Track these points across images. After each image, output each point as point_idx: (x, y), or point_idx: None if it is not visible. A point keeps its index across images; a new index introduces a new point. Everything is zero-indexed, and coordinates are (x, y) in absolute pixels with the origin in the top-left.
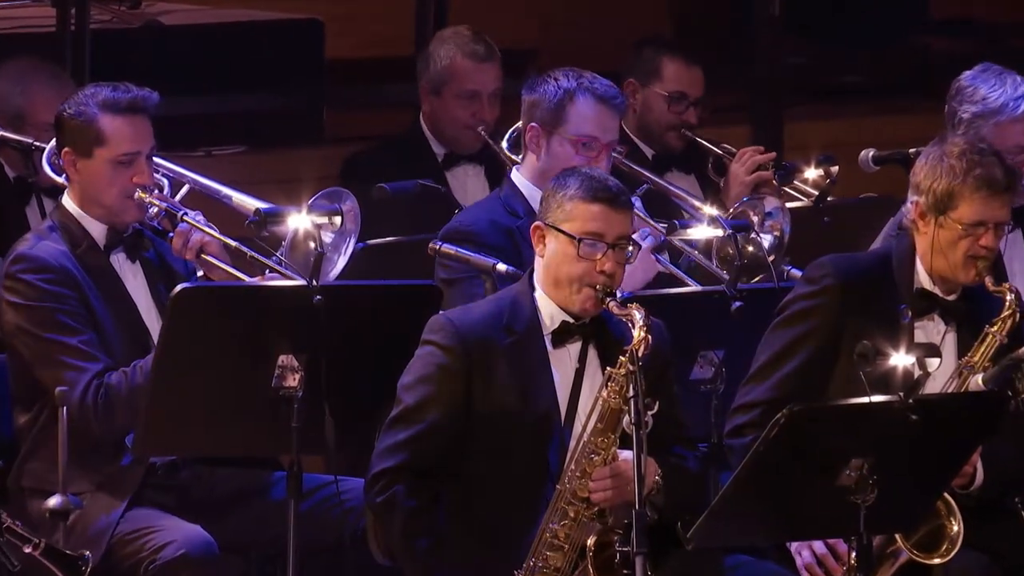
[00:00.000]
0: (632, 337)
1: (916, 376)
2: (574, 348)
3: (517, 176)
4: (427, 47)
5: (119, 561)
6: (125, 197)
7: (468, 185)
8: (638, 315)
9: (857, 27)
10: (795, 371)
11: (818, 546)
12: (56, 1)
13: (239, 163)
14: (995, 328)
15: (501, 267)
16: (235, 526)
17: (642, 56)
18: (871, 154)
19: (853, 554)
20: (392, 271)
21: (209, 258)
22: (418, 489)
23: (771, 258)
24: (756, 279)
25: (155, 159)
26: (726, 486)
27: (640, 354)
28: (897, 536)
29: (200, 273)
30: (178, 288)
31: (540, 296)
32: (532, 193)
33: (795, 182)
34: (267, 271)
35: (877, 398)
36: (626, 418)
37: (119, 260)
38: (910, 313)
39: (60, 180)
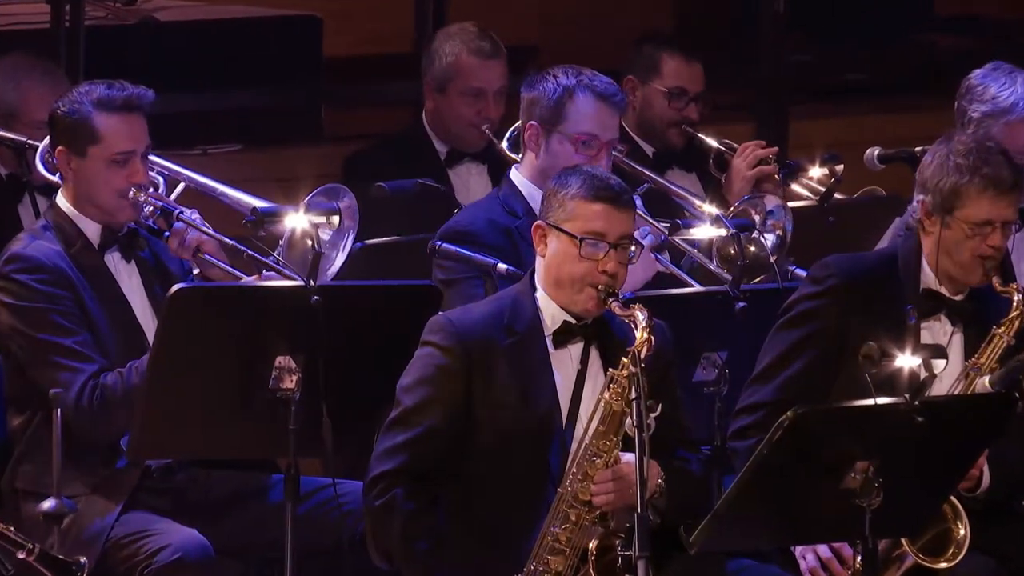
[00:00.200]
0: (634, 338)
1: (922, 378)
2: (576, 349)
3: (516, 175)
4: (431, 43)
5: (114, 565)
6: (120, 196)
7: (471, 184)
8: (641, 316)
9: (862, 24)
10: (799, 373)
11: (823, 550)
12: None
13: (236, 161)
14: (1003, 329)
15: (501, 267)
16: (232, 529)
17: (642, 52)
18: (876, 153)
19: (858, 558)
20: (391, 271)
21: (205, 257)
22: (417, 492)
23: (773, 258)
24: (759, 279)
25: (150, 157)
26: (729, 489)
27: (643, 355)
28: (903, 540)
29: (196, 272)
30: (174, 288)
31: (541, 296)
32: (531, 192)
33: (800, 181)
34: (264, 271)
35: (883, 400)
36: (628, 420)
37: (114, 260)
38: (916, 314)
39: (54, 179)
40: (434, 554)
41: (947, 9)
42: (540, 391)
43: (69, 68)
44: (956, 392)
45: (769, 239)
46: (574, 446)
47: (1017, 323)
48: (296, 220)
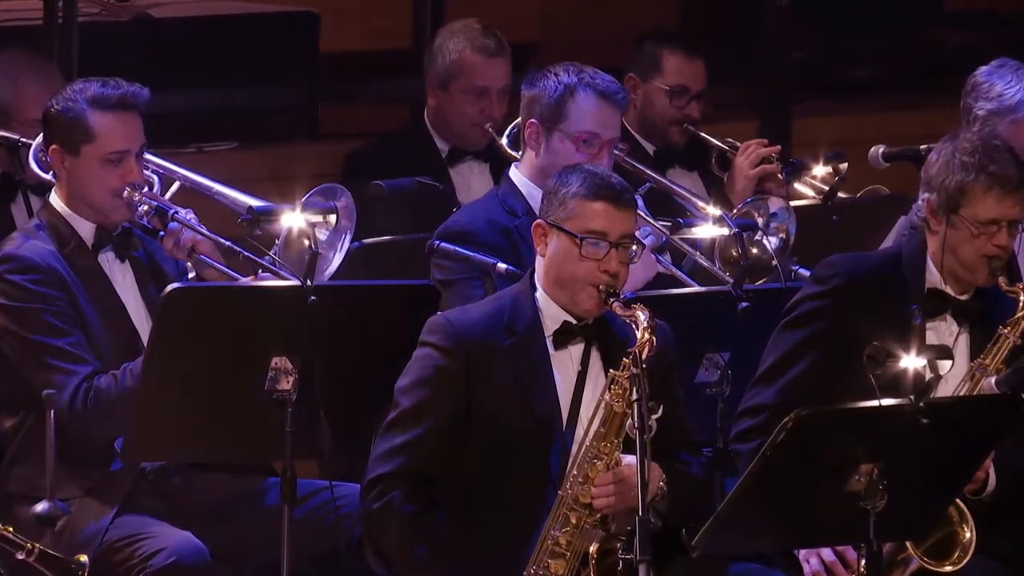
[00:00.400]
0: (636, 339)
1: (927, 378)
2: (576, 350)
3: (515, 174)
4: (435, 40)
5: (108, 569)
6: (114, 196)
7: (472, 182)
8: (642, 316)
9: (866, 20)
10: (803, 374)
11: (827, 553)
12: None
13: (231, 160)
14: (1009, 329)
15: (501, 266)
16: (227, 533)
17: (642, 50)
18: (881, 151)
19: (862, 561)
20: (389, 271)
21: (201, 258)
22: (416, 495)
23: (775, 262)
24: (762, 280)
25: (145, 156)
26: (732, 492)
27: (644, 356)
28: (908, 543)
29: (192, 273)
30: (169, 288)
31: (541, 296)
32: (531, 191)
33: (803, 179)
34: (260, 271)
35: (887, 401)
36: (629, 422)
37: (108, 260)
38: (921, 314)
39: (47, 177)
40: (433, 558)
41: (954, 4)
42: (540, 392)
43: (62, 65)
44: (962, 393)
45: (772, 241)
46: (574, 448)
47: (1023, 323)
48: (293, 219)
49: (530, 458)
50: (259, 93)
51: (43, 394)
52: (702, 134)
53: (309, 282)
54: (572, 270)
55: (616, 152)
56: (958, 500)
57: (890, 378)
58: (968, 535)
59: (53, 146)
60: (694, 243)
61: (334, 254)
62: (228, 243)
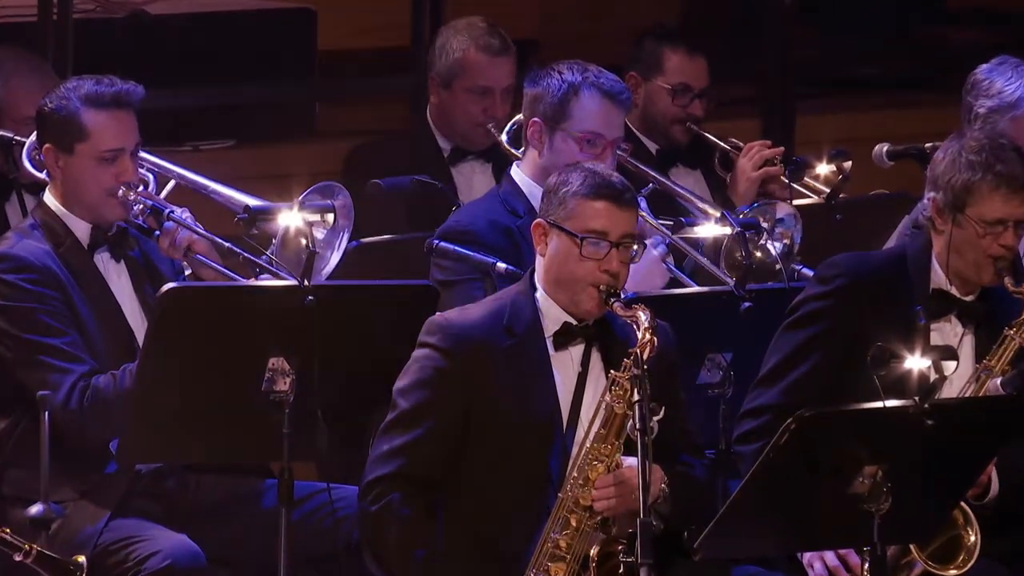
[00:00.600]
0: (637, 339)
1: (932, 380)
2: (576, 351)
3: (517, 173)
4: (438, 37)
5: (103, 572)
6: (109, 195)
7: (474, 182)
8: (643, 316)
9: (870, 17)
10: (806, 375)
11: (830, 557)
12: None
13: (228, 158)
14: (1015, 330)
15: (500, 266)
16: (223, 536)
17: (643, 48)
18: (885, 149)
19: (866, 565)
20: (387, 270)
21: (197, 257)
22: (415, 497)
23: (778, 266)
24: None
25: (140, 154)
26: (734, 494)
27: (645, 357)
28: (912, 546)
29: (188, 272)
30: (165, 288)
31: (541, 297)
32: (533, 191)
33: (806, 178)
34: (257, 271)
35: (891, 403)
36: (630, 424)
37: (103, 260)
38: (926, 314)
39: (41, 176)
40: (432, 562)
41: (958, 2)
42: (540, 394)
43: (57, 62)
44: (967, 395)
45: (776, 246)
46: (575, 450)
47: None
48: (290, 218)
49: (530, 460)
50: (255, 91)
51: (37, 395)
52: (706, 135)
53: (306, 282)
54: (572, 270)
55: (619, 152)
56: (962, 503)
57: (894, 379)
58: (973, 538)
59: (47, 145)
60: (696, 243)
61: (331, 253)
62: (226, 243)
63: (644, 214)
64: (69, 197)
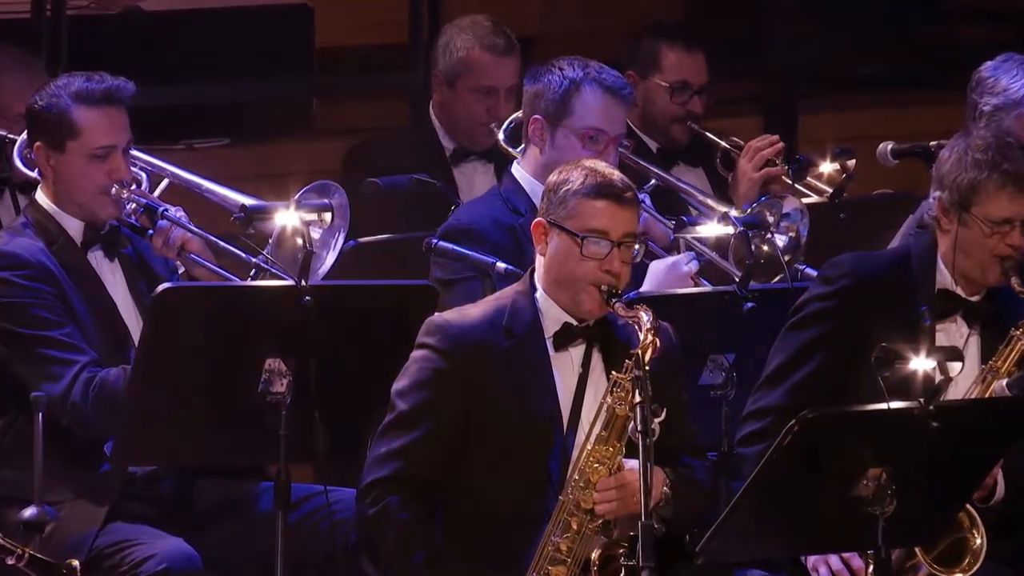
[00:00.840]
0: (638, 340)
1: (937, 381)
2: (577, 352)
3: (518, 170)
4: (442, 35)
5: None
6: (101, 193)
7: (476, 182)
8: (645, 317)
9: (875, 14)
10: (810, 376)
11: (834, 561)
12: None
13: (223, 156)
14: (1021, 331)
15: (500, 266)
16: (219, 539)
17: (641, 46)
18: (890, 147)
19: (870, 568)
20: (385, 270)
21: (191, 256)
22: (413, 500)
23: (786, 258)
24: (777, 278)
25: (133, 152)
26: (737, 497)
27: (647, 358)
28: (917, 550)
29: (181, 271)
30: (160, 288)
31: (541, 297)
32: (534, 188)
33: (809, 177)
34: (253, 270)
35: (896, 404)
36: (632, 425)
37: (97, 258)
38: (931, 315)
39: (33, 175)
40: (431, 565)
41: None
42: (540, 395)
43: (50, 60)
44: (973, 396)
45: (781, 240)
46: (575, 452)
47: None
48: (286, 217)
49: (530, 462)
50: (251, 88)
51: (31, 396)
52: (707, 134)
53: (303, 282)
54: (573, 270)
55: (620, 149)
56: (968, 506)
57: (899, 380)
58: (979, 541)
59: (37, 143)
60: (700, 241)
61: (328, 252)
62: (218, 241)
63: (649, 211)
64: (61, 195)
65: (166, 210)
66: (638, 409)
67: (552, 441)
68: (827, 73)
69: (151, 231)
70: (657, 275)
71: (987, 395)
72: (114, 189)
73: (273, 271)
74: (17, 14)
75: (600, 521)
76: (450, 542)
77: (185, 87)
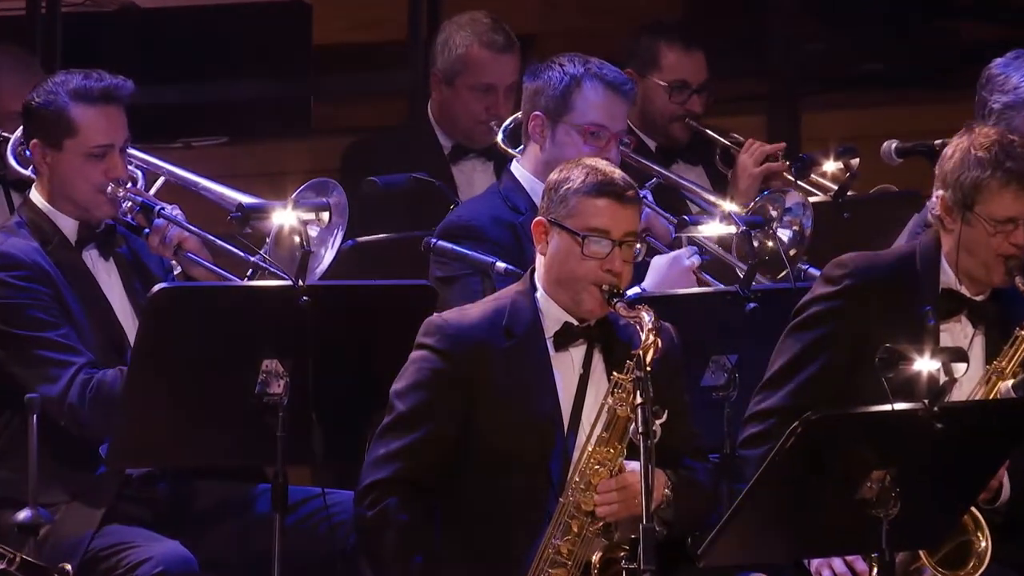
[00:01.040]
0: (640, 341)
1: (942, 382)
2: (578, 352)
3: (518, 168)
4: (441, 32)
5: None
6: (97, 191)
7: (475, 180)
8: (647, 317)
9: (879, 11)
10: (813, 377)
11: (837, 564)
12: None
13: (220, 155)
14: None
15: (500, 265)
16: (216, 542)
17: (639, 44)
18: (894, 146)
19: (874, 571)
20: (384, 270)
21: (187, 255)
22: (412, 502)
23: (792, 251)
24: (781, 275)
25: (130, 151)
26: (739, 499)
27: (648, 359)
28: (921, 552)
29: (177, 271)
30: (156, 288)
31: (542, 296)
32: (534, 186)
33: (813, 176)
34: (250, 270)
35: (900, 406)
36: (633, 427)
37: (92, 257)
38: (935, 315)
39: (27, 173)
40: (430, 567)
41: None
42: (540, 396)
43: (45, 57)
44: (977, 397)
45: (785, 234)
46: (576, 454)
47: None
48: (284, 217)
49: (530, 464)
50: (249, 86)
51: (26, 398)
52: (706, 130)
53: (301, 282)
54: (574, 269)
55: (621, 147)
56: (973, 508)
57: (903, 381)
58: (983, 544)
59: (34, 141)
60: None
61: (325, 250)
62: (218, 240)
63: (652, 207)
64: (56, 194)
65: (162, 208)
66: (639, 410)
67: (552, 442)
68: (828, 72)
69: (147, 230)
70: (659, 269)
71: (992, 396)
72: (110, 188)
73: (271, 270)
74: (11, 11)
75: (601, 523)
76: (449, 544)
77: (182, 85)
